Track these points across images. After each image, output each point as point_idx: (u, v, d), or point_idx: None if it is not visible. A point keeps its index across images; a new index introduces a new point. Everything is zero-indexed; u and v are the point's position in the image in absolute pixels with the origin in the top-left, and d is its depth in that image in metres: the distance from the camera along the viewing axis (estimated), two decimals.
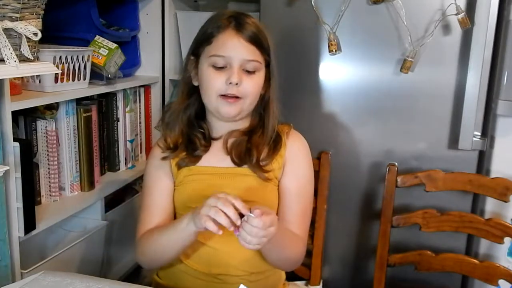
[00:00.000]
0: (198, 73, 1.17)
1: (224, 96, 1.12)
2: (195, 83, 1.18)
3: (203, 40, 1.15)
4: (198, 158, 1.17)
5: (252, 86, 1.13)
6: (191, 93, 1.20)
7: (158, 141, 1.23)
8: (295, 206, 1.19)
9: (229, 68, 1.11)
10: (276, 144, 1.18)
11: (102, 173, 1.76)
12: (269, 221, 0.96)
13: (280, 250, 1.12)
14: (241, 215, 0.97)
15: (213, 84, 1.12)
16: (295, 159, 1.20)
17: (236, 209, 0.96)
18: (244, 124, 1.20)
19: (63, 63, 1.47)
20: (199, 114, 1.21)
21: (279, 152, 1.18)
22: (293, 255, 1.17)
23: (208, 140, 1.19)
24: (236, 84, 1.10)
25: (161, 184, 1.20)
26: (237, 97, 1.12)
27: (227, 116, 1.14)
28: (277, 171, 1.17)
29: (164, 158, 1.18)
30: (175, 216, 1.22)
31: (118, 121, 1.81)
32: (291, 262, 1.20)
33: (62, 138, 1.53)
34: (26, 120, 1.44)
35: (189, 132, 1.19)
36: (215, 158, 1.17)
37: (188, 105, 1.20)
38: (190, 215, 1.04)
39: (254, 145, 1.16)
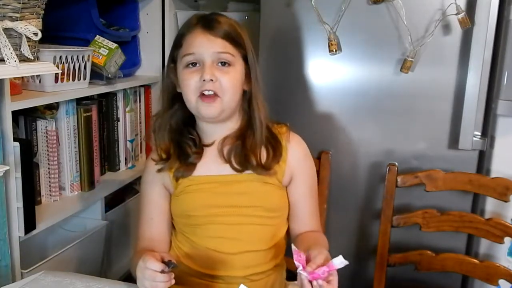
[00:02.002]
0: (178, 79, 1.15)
1: (203, 96, 1.09)
2: (179, 90, 1.15)
3: (175, 45, 1.15)
4: (193, 166, 1.15)
5: (228, 81, 1.09)
6: (175, 100, 1.16)
7: (151, 154, 1.21)
8: (308, 206, 1.21)
9: (202, 66, 1.09)
10: (275, 148, 1.16)
11: (102, 173, 1.76)
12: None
13: None
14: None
15: (188, 84, 1.10)
16: (302, 166, 1.19)
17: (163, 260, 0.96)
18: (234, 126, 1.17)
19: (63, 63, 1.47)
20: (188, 120, 1.18)
21: (281, 157, 1.16)
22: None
23: (200, 146, 1.17)
24: (211, 80, 1.07)
25: (156, 198, 1.19)
26: (215, 95, 1.09)
27: (208, 117, 1.11)
28: (280, 175, 1.16)
29: (159, 171, 1.16)
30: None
31: (118, 121, 1.81)
32: None
33: (62, 138, 1.53)
34: (26, 120, 1.44)
35: (179, 139, 1.16)
36: (215, 166, 1.15)
37: (174, 112, 1.17)
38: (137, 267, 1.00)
39: (250, 149, 1.13)
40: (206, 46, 1.09)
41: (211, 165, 1.15)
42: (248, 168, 1.13)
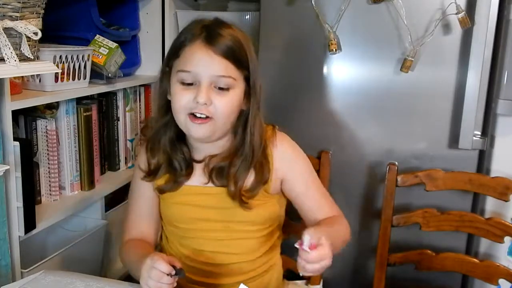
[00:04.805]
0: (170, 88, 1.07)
1: (193, 116, 1.02)
2: (170, 98, 1.07)
3: (172, 53, 1.06)
4: (181, 184, 1.12)
5: (224, 106, 1.02)
6: (169, 108, 1.08)
7: (139, 161, 1.17)
8: (312, 198, 1.16)
9: (198, 86, 1.01)
10: (263, 171, 1.09)
11: (102, 172, 1.76)
12: (321, 256, 0.91)
13: (340, 243, 1.10)
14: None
15: (179, 102, 1.02)
16: (292, 167, 1.14)
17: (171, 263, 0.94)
18: (225, 144, 1.11)
19: (63, 62, 1.47)
20: (180, 133, 1.10)
21: (266, 181, 1.10)
22: (347, 236, 1.16)
23: (190, 163, 1.12)
24: (205, 104, 1.00)
25: (146, 195, 1.18)
26: (207, 117, 1.02)
27: (197, 138, 1.06)
28: (267, 186, 1.11)
29: (145, 180, 1.15)
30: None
31: (118, 120, 1.81)
32: (348, 239, 1.17)
33: (62, 138, 1.53)
34: (26, 119, 1.44)
35: (171, 154, 1.11)
36: (199, 180, 1.12)
37: (168, 122, 1.10)
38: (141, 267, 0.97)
39: (233, 177, 1.07)
40: (206, 65, 1.01)
41: (197, 179, 1.12)
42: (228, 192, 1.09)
